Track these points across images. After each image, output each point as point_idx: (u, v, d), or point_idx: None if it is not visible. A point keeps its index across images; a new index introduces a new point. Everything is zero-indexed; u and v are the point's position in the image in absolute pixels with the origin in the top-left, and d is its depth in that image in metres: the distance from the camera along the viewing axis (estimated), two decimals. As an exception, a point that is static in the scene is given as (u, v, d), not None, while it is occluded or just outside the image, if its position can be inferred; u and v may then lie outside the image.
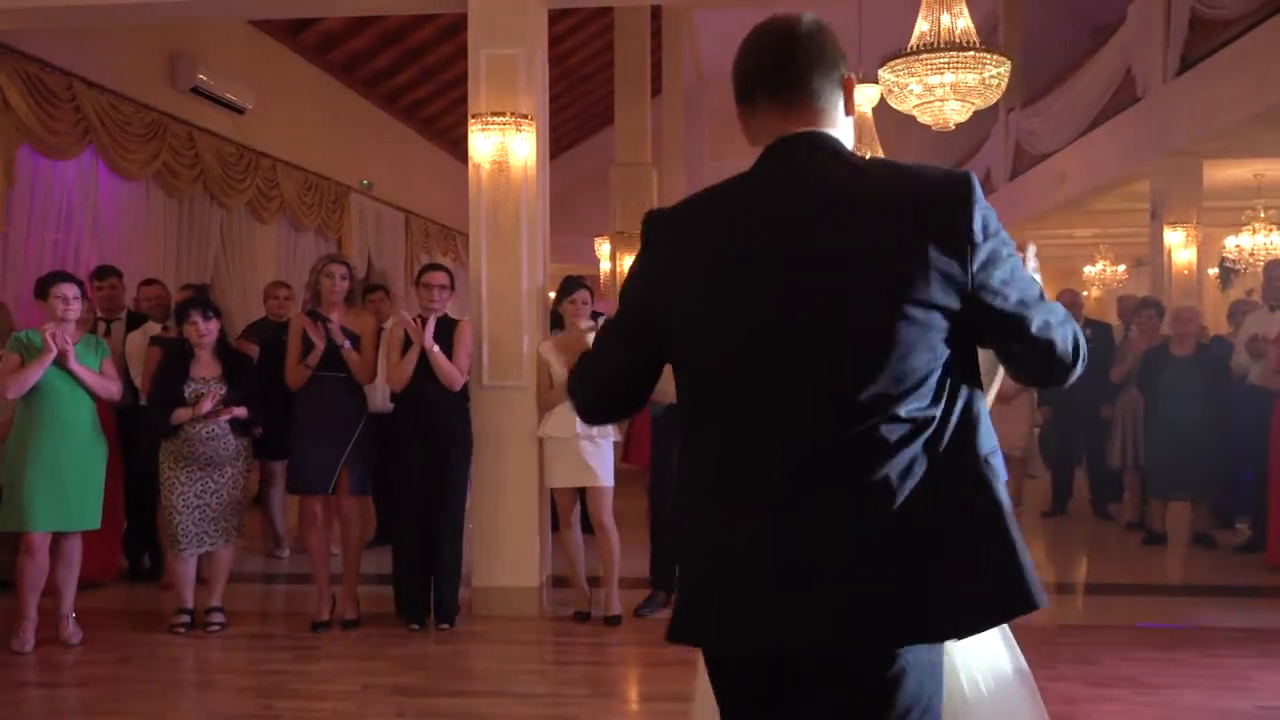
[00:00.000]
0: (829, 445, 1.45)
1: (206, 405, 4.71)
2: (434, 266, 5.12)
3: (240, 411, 4.80)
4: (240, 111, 8.44)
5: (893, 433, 1.45)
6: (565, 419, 4.83)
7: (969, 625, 1.51)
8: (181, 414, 4.73)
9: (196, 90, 7.88)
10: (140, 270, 6.76)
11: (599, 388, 1.73)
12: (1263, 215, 11.28)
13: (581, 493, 5.03)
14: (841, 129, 1.63)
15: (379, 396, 5.75)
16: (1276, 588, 5.47)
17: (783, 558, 1.46)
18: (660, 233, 1.62)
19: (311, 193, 9.65)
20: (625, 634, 4.84)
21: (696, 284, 1.54)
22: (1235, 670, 4.18)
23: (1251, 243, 11.29)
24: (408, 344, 4.86)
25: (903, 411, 1.45)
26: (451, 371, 4.85)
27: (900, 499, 1.44)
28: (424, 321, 4.84)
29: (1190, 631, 4.75)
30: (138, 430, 5.39)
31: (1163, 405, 6.61)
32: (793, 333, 1.48)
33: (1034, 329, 1.54)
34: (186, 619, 4.84)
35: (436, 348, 4.81)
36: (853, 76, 1.67)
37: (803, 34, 1.61)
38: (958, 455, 1.49)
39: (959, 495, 1.48)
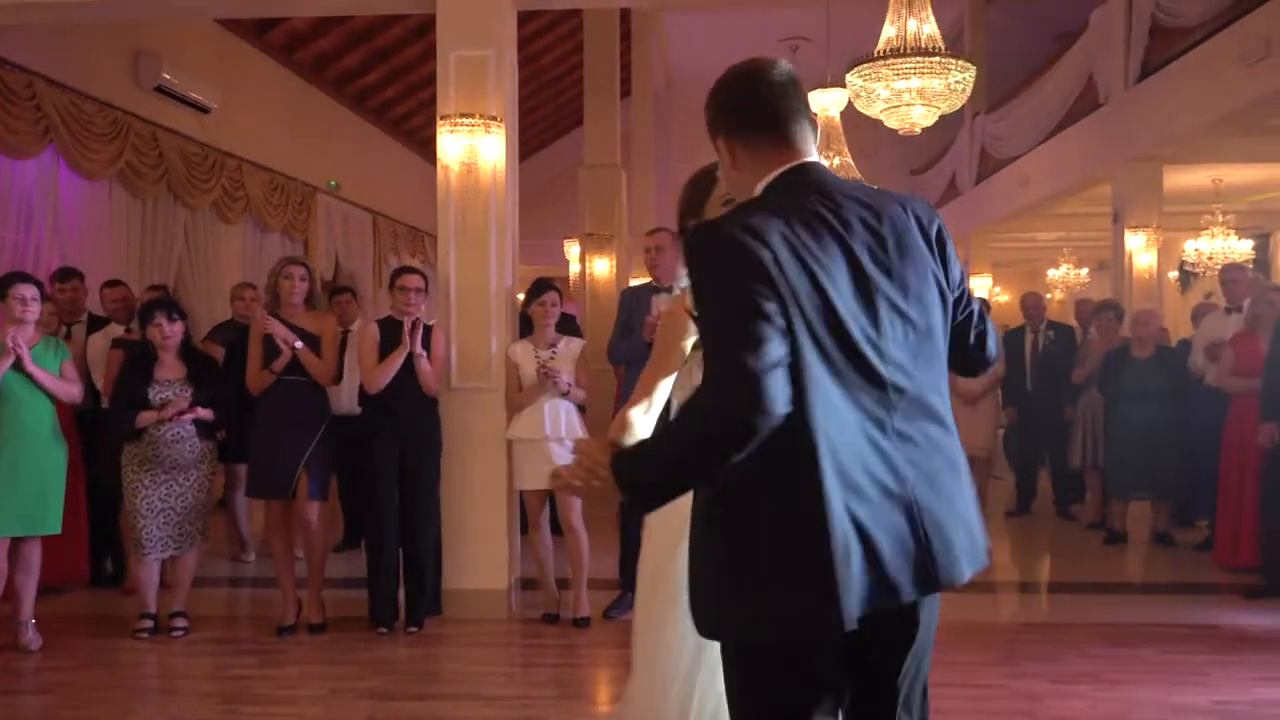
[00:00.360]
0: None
1: (172, 409, 4.66)
2: (409, 270, 5.09)
3: (205, 413, 4.76)
4: (205, 111, 8.35)
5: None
6: (534, 421, 4.83)
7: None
8: (146, 417, 4.68)
9: (160, 89, 7.79)
10: (102, 271, 6.67)
11: None
12: (1221, 220, 11.51)
13: (551, 494, 5.02)
14: None
15: (344, 398, 5.72)
16: (1231, 585, 5.58)
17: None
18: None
19: (278, 193, 9.57)
20: (594, 636, 4.85)
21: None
22: (1192, 666, 4.27)
23: (1210, 247, 11.50)
24: (384, 347, 4.84)
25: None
26: (433, 375, 4.84)
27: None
28: (408, 325, 4.82)
29: (1149, 628, 4.83)
30: (100, 433, 5.32)
31: (1123, 406, 6.72)
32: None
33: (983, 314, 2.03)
34: (149, 624, 4.79)
35: (424, 352, 4.80)
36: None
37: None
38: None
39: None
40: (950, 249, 1.90)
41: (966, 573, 1.76)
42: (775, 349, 1.61)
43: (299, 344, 4.76)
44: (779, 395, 1.60)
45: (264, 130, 9.42)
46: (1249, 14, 7.22)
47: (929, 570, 1.70)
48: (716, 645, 1.86)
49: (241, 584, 6.10)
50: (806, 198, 1.75)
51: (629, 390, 5.10)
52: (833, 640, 1.72)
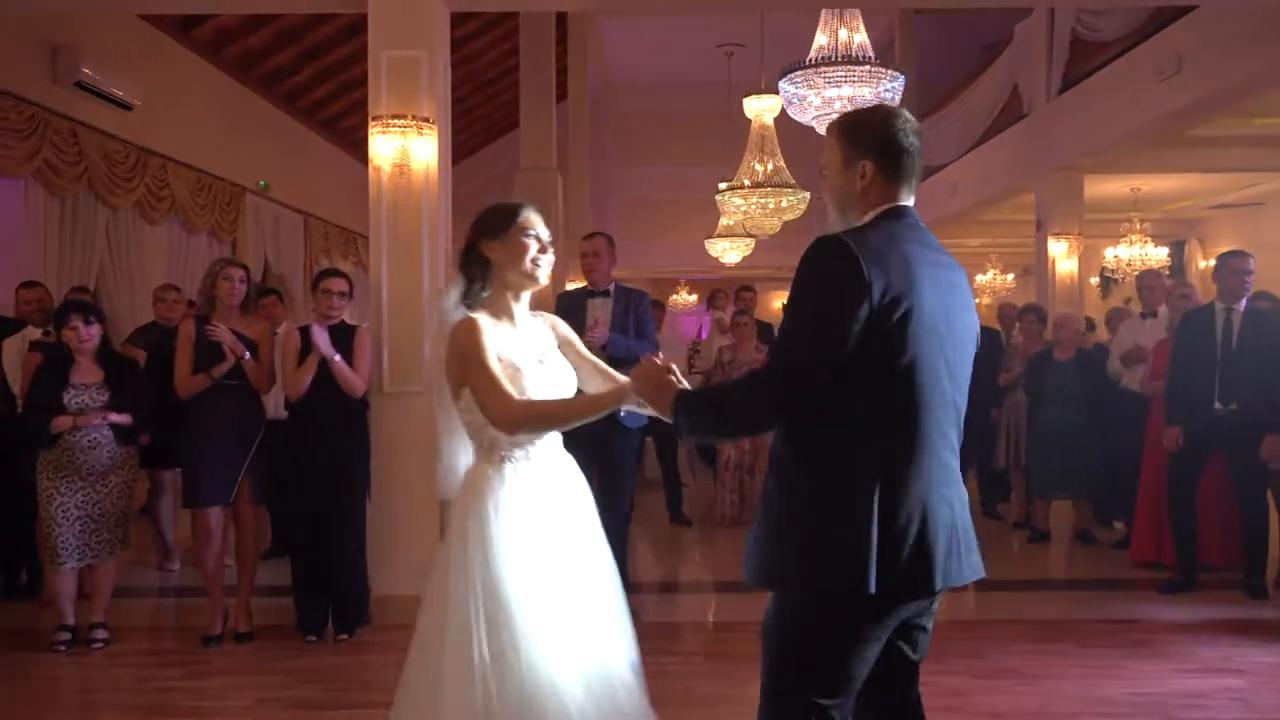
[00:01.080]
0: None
1: (94, 420, 4.53)
2: (333, 273, 5.00)
3: (122, 417, 4.63)
4: (128, 108, 8.12)
5: None
6: None
7: None
8: (61, 422, 4.53)
9: (80, 85, 7.55)
10: (17, 273, 6.45)
11: None
12: (1139, 227, 11.91)
13: None
14: None
15: (271, 404, 5.60)
16: (1147, 581, 5.77)
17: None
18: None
19: (204, 193, 9.34)
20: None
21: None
22: (1110, 660, 4.41)
23: (1129, 253, 11.89)
24: (304, 352, 4.75)
25: None
26: (353, 379, 4.77)
27: None
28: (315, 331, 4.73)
29: (1070, 624, 4.98)
30: (14, 440, 5.13)
31: (1045, 409, 6.91)
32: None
33: None
34: (67, 636, 4.64)
35: (338, 356, 4.72)
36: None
37: None
38: None
39: None
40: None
41: (969, 576, 2.11)
42: (835, 356, 1.94)
43: (247, 354, 4.66)
44: (811, 394, 1.97)
45: (190, 128, 9.20)
46: (1163, 30, 7.50)
47: (960, 566, 2.06)
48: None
49: (166, 593, 5.95)
50: (917, 235, 2.11)
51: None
52: (907, 603, 2.05)
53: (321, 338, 4.68)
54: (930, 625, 2.20)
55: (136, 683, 4.31)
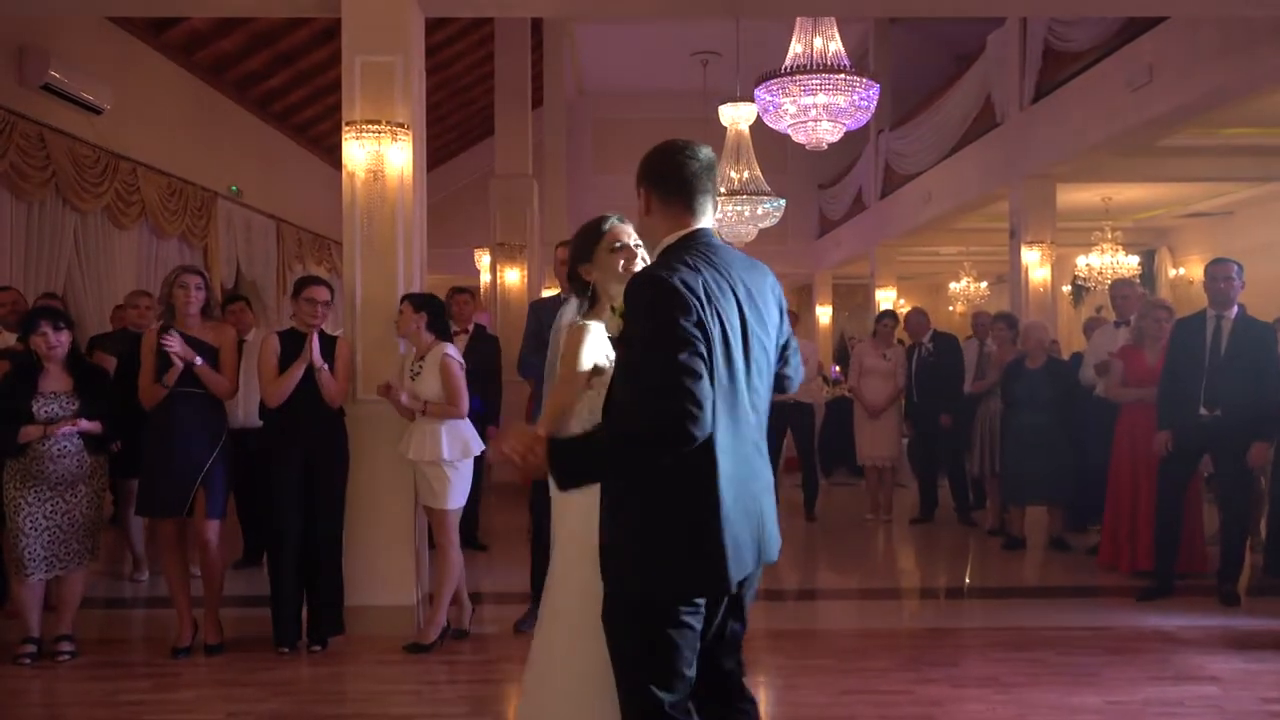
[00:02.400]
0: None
1: (64, 429, 4.45)
2: (316, 281, 4.88)
3: (91, 426, 4.55)
4: (97, 111, 8.01)
5: None
6: (417, 440, 4.69)
7: None
8: (30, 431, 4.45)
9: (48, 87, 7.44)
10: (-17, 278, 6.34)
11: None
12: (1110, 236, 12.04)
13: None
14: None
15: (241, 412, 5.53)
16: (1122, 588, 5.80)
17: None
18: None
19: (175, 198, 9.23)
20: (503, 651, 4.78)
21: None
22: (1085, 668, 4.42)
23: (1100, 262, 12.02)
24: (284, 359, 4.69)
25: None
26: (336, 388, 4.72)
27: None
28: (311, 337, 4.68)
29: (1046, 631, 4.99)
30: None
31: (1018, 416, 6.95)
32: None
33: None
34: (32, 648, 4.54)
35: (326, 365, 4.66)
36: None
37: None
38: None
39: None
40: (785, 309, 2.50)
41: (775, 558, 2.42)
42: (705, 378, 2.11)
43: (198, 360, 4.58)
44: (708, 413, 2.11)
45: (161, 132, 9.09)
46: (1134, 40, 7.58)
47: (764, 552, 2.35)
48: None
49: (135, 604, 5.85)
50: (709, 258, 2.26)
51: (541, 402, 5.06)
52: (715, 598, 2.30)
53: (315, 346, 4.63)
54: None
55: (104, 696, 4.22)
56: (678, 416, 2.07)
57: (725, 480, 2.20)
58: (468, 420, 4.75)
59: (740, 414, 2.25)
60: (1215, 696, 4.08)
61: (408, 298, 4.78)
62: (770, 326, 2.37)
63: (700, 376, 2.09)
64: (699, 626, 2.27)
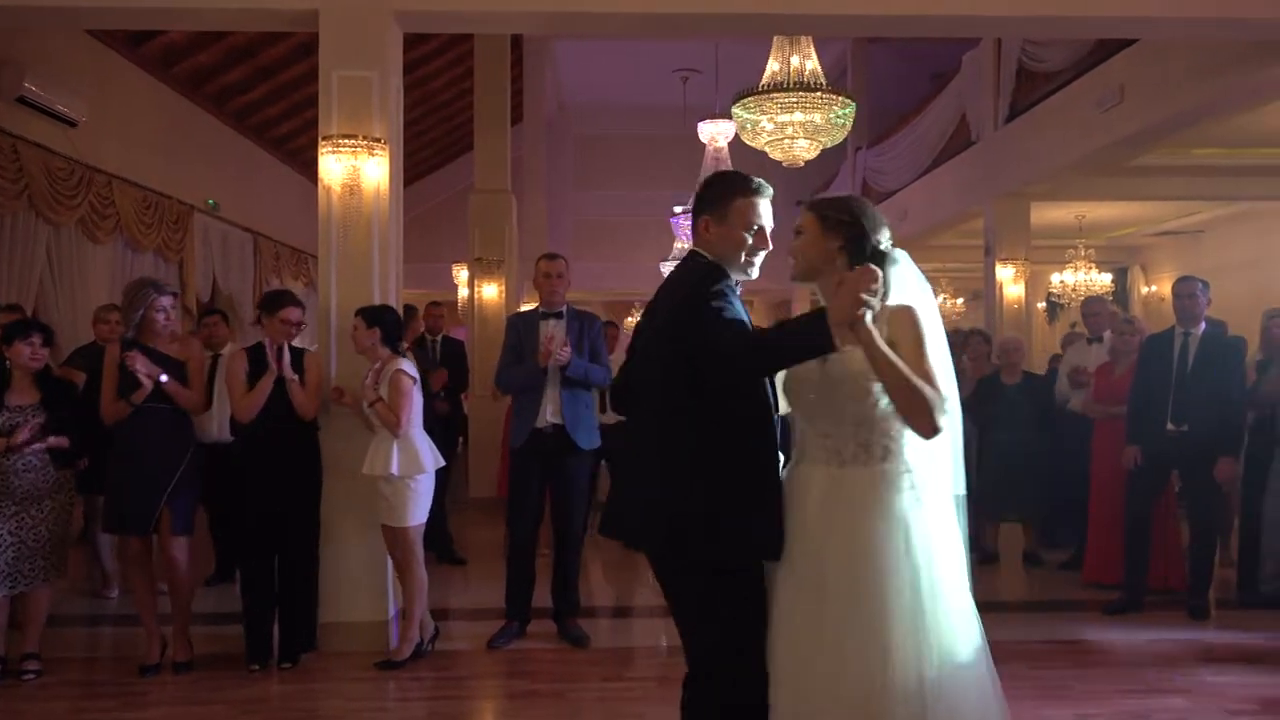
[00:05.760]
0: None
1: (22, 435, 4.40)
2: (289, 300, 4.82)
3: (59, 441, 4.50)
4: (72, 124, 7.96)
5: None
6: (370, 455, 4.68)
7: None
8: (-8, 446, 4.40)
9: (22, 100, 7.39)
10: (-47, 290, 6.26)
11: None
12: (1083, 254, 12.17)
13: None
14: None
15: (214, 426, 5.48)
16: (1094, 602, 5.83)
17: None
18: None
19: (151, 211, 9.17)
20: (474, 668, 4.76)
21: None
22: (1057, 680, 4.45)
23: (1074, 279, 12.14)
24: (253, 373, 4.66)
25: None
26: (307, 401, 4.69)
27: None
28: (272, 350, 4.65)
29: (1018, 645, 5.01)
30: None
31: (993, 432, 6.99)
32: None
33: None
34: (-3, 667, 4.48)
35: (295, 377, 4.64)
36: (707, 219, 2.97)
37: None
38: None
39: None
40: None
41: None
42: None
43: (164, 377, 4.53)
44: None
45: (137, 145, 9.04)
46: (1106, 61, 7.69)
47: None
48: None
49: (103, 622, 5.76)
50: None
51: (520, 416, 5.05)
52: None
53: (284, 357, 4.60)
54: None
55: (70, 714, 4.17)
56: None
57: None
58: (424, 435, 4.73)
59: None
60: (1184, 709, 4.11)
61: (360, 312, 4.75)
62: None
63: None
64: None
